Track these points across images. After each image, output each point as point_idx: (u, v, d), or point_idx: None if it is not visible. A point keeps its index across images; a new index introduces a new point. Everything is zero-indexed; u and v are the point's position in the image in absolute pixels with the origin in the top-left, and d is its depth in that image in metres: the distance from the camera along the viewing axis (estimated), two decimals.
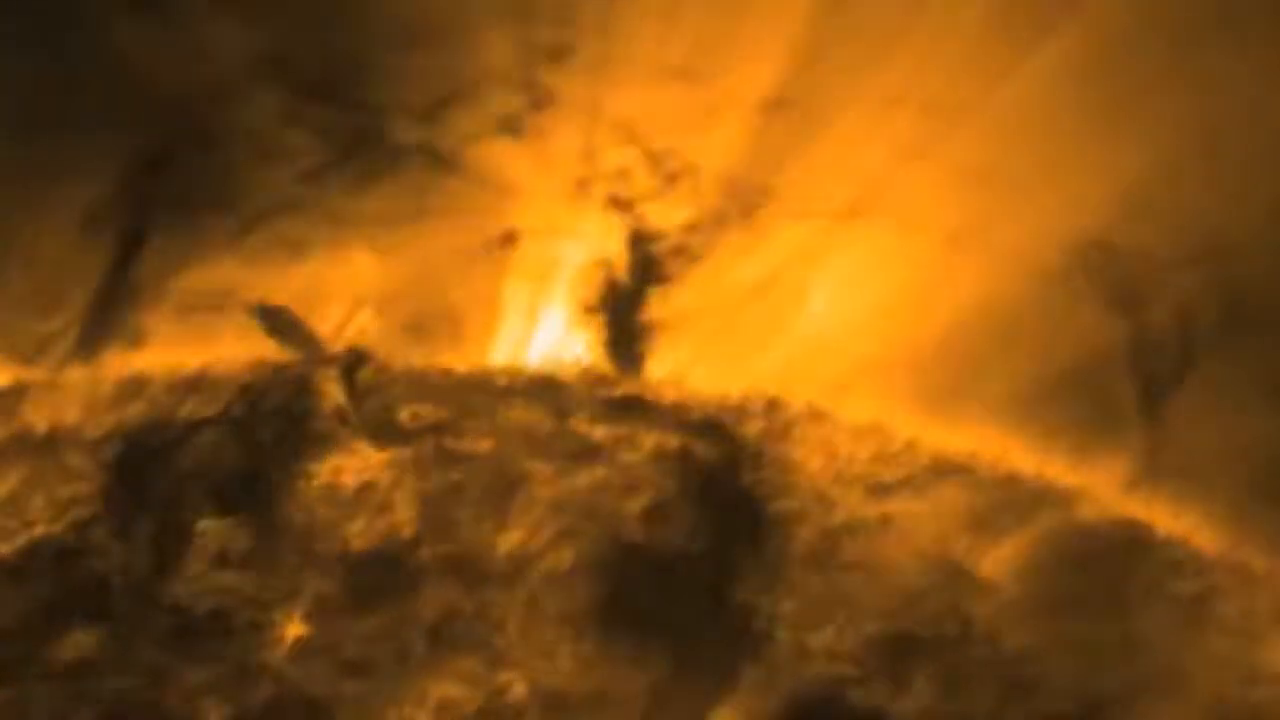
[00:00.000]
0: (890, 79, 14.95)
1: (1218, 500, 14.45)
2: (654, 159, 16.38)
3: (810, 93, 15.36)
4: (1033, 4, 14.07)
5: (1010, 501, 13.11)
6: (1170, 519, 14.16)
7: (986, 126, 14.72)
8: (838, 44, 14.99)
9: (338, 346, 16.22)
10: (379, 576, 10.39)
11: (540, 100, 15.80)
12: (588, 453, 12.31)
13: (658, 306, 16.75)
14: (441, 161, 16.40)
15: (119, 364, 15.27)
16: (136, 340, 15.72)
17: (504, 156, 16.30)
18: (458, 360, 15.88)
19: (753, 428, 13.81)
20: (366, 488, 11.31)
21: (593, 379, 15.29)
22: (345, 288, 16.58)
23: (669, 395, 14.79)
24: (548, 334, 16.76)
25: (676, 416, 13.80)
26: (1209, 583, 12.91)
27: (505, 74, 15.58)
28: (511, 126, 16.01)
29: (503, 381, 14.51)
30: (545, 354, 16.51)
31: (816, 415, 14.42)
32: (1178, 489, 14.77)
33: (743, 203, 16.34)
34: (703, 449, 12.80)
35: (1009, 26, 14.30)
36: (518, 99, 15.85)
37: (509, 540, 10.92)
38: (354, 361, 14.14)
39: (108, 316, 15.73)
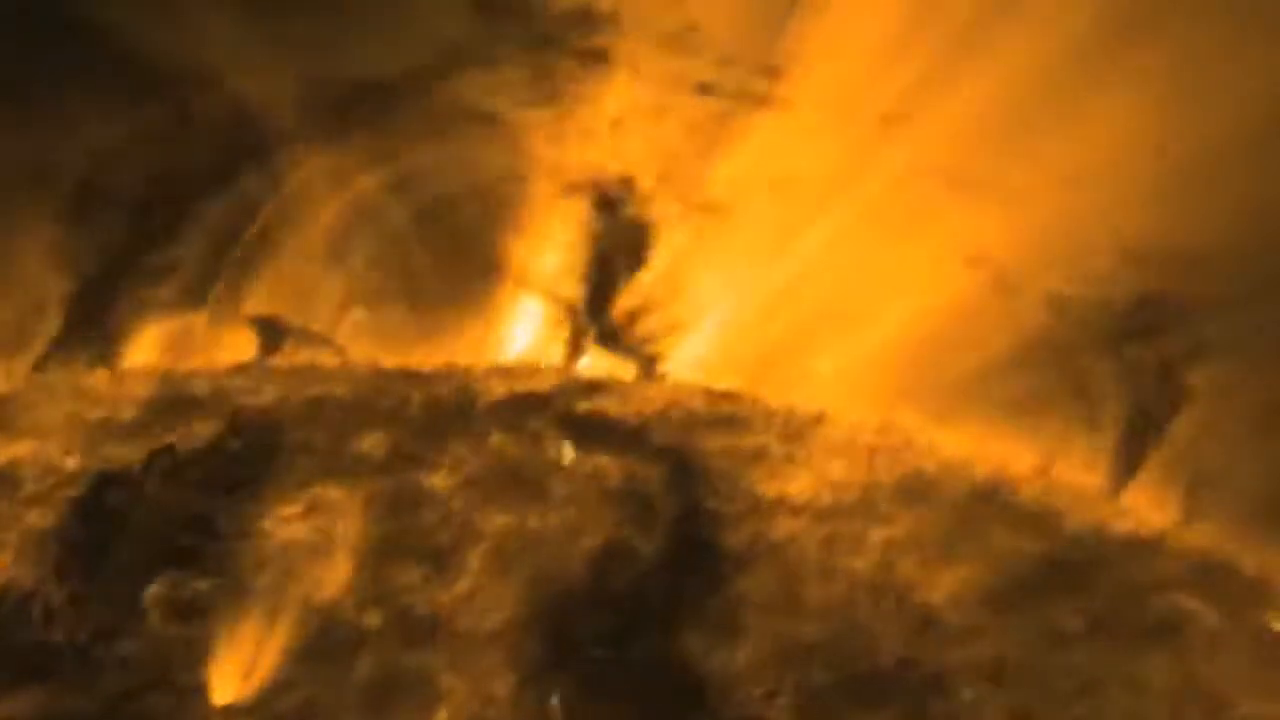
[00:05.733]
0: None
1: (1204, 505, 14.34)
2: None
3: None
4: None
5: (971, 523, 12.92)
6: (1148, 526, 14.07)
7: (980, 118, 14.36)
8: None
9: (329, 349, 16.24)
10: (322, 631, 10.36)
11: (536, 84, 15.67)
12: (544, 489, 12.17)
13: (640, 304, 16.66)
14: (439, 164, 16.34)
15: (97, 374, 15.32)
16: (117, 349, 15.75)
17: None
18: (444, 358, 15.92)
19: (720, 444, 13.66)
20: (319, 534, 11.26)
21: (569, 386, 15.18)
22: (336, 289, 16.56)
23: (642, 403, 14.66)
24: (535, 333, 16.69)
25: (643, 433, 13.66)
26: (1178, 602, 12.61)
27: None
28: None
29: (476, 398, 14.38)
30: (529, 353, 16.45)
31: (787, 431, 14.27)
32: (1159, 494, 14.65)
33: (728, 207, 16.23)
34: (664, 475, 12.65)
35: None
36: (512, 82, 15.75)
37: (454, 591, 10.87)
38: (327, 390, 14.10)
39: (89, 323, 15.72)
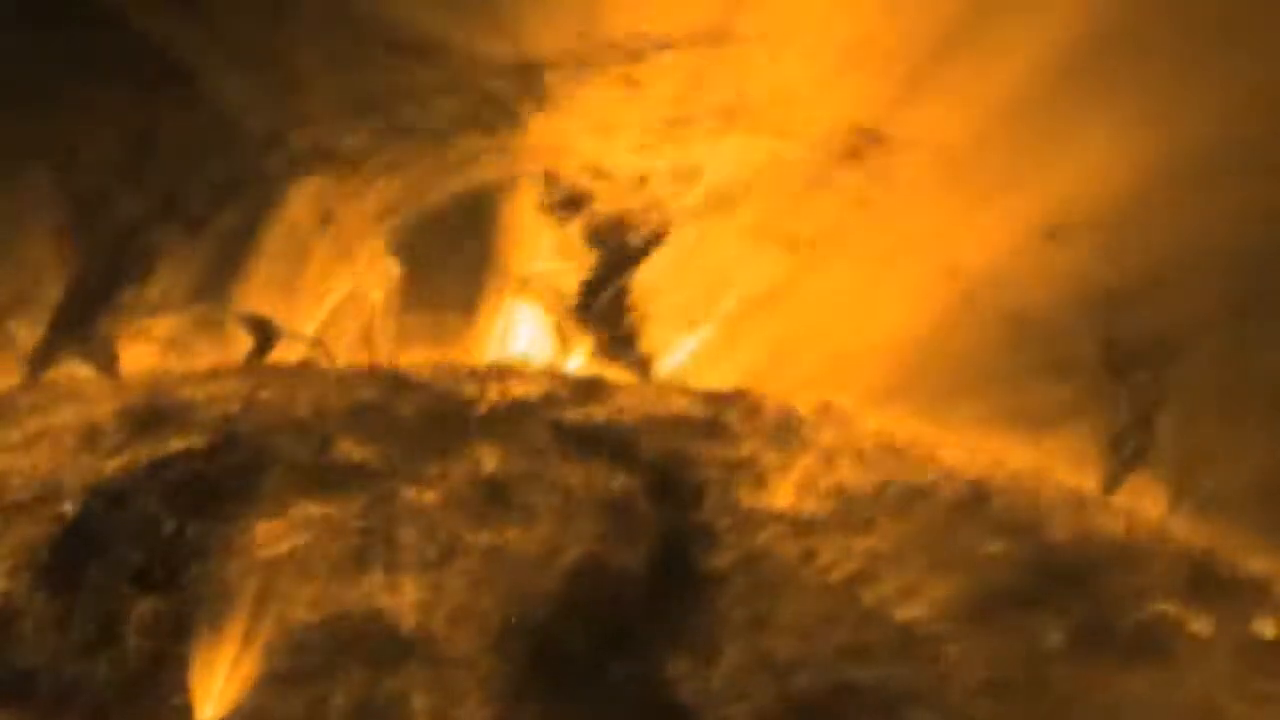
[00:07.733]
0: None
1: (1194, 509, 14.29)
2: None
3: None
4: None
5: (958, 532, 12.87)
6: (1137, 531, 14.02)
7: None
8: None
9: (323, 352, 16.23)
10: (302, 650, 10.36)
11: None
12: (531, 503, 12.13)
13: (635, 306, 16.63)
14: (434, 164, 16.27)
15: (89, 377, 15.31)
16: (110, 350, 15.72)
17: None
18: (439, 361, 15.91)
19: (709, 453, 13.60)
20: (303, 551, 11.24)
21: (561, 391, 15.13)
22: (332, 292, 16.53)
23: (634, 410, 14.61)
24: (529, 337, 16.67)
25: (633, 442, 13.60)
26: (1166, 608, 12.55)
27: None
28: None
29: (468, 405, 14.31)
30: (523, 357, 16.43)
31: (779, 437, 14.21)
32: (1149, 498, 14.61)
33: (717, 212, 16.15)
34: (652, 487, 12.61)
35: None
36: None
37: (433, 614, 10.85)
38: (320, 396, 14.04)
39: (83, 323, 15.69)
